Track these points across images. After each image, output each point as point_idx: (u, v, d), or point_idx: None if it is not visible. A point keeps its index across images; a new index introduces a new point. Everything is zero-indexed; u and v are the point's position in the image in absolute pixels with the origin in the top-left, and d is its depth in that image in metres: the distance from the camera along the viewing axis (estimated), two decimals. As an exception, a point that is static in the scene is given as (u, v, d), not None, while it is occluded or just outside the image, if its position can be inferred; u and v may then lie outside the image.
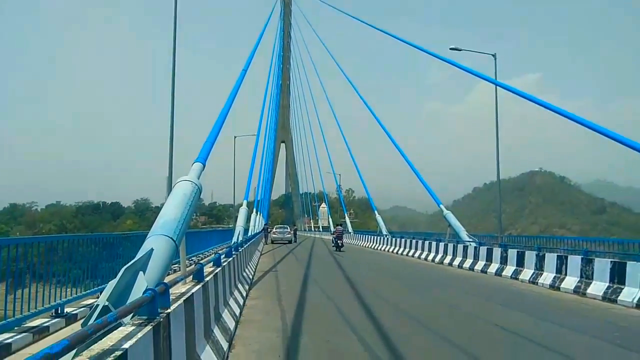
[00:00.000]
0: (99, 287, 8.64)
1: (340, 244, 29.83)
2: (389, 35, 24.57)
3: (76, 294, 8.00)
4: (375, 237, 36.05)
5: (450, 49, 22.28)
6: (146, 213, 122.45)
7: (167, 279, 4.83)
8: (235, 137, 42.30)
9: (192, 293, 4.71)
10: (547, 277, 13.30)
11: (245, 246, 14.35)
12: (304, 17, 71.93)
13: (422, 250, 24.12)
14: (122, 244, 10.95)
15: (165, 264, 5.41)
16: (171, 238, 5.72)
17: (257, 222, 41.70)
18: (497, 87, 21.89)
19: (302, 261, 21.59)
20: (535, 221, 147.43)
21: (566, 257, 12.79)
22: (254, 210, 38.81)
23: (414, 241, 26.33)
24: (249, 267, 14.53)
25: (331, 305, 9.54)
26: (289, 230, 42.43)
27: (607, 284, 10.94)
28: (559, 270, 12.97)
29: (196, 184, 7.13)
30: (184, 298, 4.34)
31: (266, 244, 37.34)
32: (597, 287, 11.13)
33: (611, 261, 11.16)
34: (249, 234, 30.23)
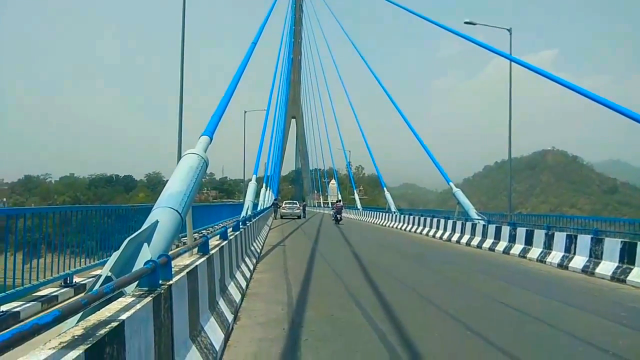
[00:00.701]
0: (109, 258, 8.58)
1: (339, 218, 33.49)
2: (404, 9, 24.02)
3: (86, 264, 8.09)
4: (384, 214, 36.08)
5: (465, 22, 21.75)
6: (158, 186, 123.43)
7: (173, 252, 4.82)
8: (245, 112, 42.13)
9: (196, 265, 4.71)
10: (555, 256, 13.22)
11: (253, 220, 14.41)
12: (316, -10, 70.37)
13: (430, 227, 24.09)
14: (134, 216, 10.94)
15: (171, 236, 5.42)
16: (177, 211, 5.72)
17: (267, 197, 41.92)
18: (512, 62, 21.43)
19: (310, 236, 21.72)
20: (546, 200, 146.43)
21: (575, 237, 12.67)
22: (264, 185, 38.93)
23: (421, 218, 26.28)
24: (257, 241, 14.63)
25: (337, 280, 9.58)
26: (298, 205, 42.59)
27: (617, 264, 10.83)
28: (567, 250, 12.87)
29: (202, 157, 7.10)
30: (187, 270, 4.33)
31: (275, 218, 37.57)
32: (606, 267, 11.03)
33: (622, 241, 11.03)
34: (259, 208, 30.46)
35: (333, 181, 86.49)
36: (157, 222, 5.30)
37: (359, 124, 49.27)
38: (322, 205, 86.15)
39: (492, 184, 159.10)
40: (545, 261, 13.44)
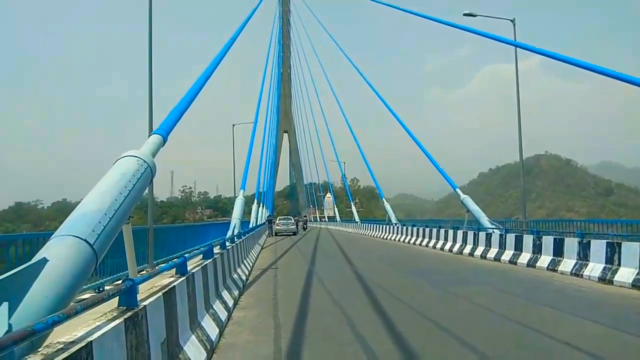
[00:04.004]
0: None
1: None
2: (398, 10, 22.38)
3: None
4: (384, 226, 33.99)
5: (464, 14, 20.01)
6: (153, 208, 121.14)
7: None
8: (233, 125, 40.05)
9: (118, 327, 2.82)
10: (594, 269, 11.19)
11: (237, 242, 12.31)
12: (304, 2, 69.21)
13: (438, 239, 22.02)
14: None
15: (67, 284, 3.37)
16: (85, 241, 3.66)
17: (261, 214, 39.78)
18: (517, 50, 19.75)
19: (306, 255, 19.56)
20: (542, 205, 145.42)
21: (619, 244, 10.65)
22: (256, 202, 36.84)
23: (427, 230, 24.23)
24: (243, 264, 12.51)
25: (340, 315, 7.49)
26: (292, 221, 40.42)
27: (681, 277, 8.84)
28: (609, 261, 10.85)
29: (145, 162, 5.07)
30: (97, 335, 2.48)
31: (270, 236, 35.40)
32: (667, 281, 9.03)
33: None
34: (250, 226, 28.30)
35: (329, 194, 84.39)
36: (44, 260, 3.25)
37: (354, 135, 47.40)
38: (318, 220, 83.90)
39: (487, 191, 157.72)
40: (582, 274, 11.42)
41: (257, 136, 36.23)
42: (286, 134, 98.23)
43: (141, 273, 11.82)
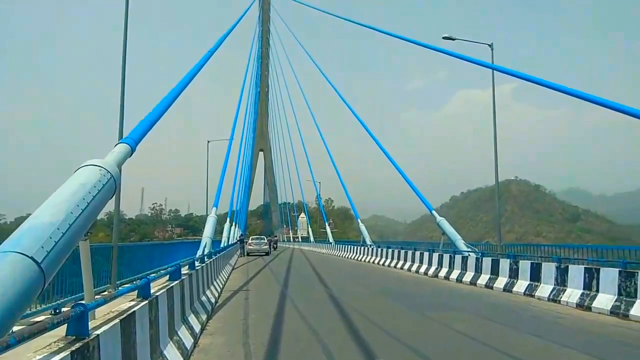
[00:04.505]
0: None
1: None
2: (377, 31, 22.60)
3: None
4: (359, 248, 33.64)
5: (444, 37, 20.25)
6: (120, 225, 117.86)
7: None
8: (208, 142, 39.46)
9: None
10: (572, 294, 11.06)
11: (207, 262, 11.74)
12: (283, 22, 69.76)
13: (413, 261, 21.77)
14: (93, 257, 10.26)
15: (6, 307, 2.86)
16: (32, 258, 3.17)
17: (233, 233, 38.89)
18: (494, 78, 20.04)
19: (278, 277, 18.98)
20: (512, 229, 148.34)
21: (597, 270, 10.56)
22: (229, 220, 36.04)
23: (402, 252, 23.99)
24: (212, 287, 11.91)
25: (315, 343, 7.04)
26: (265, 241, 39.65)
27: (660, 304, 8.74)
28: (587, 287, 10.75)
29: (108, 172, 4.59)
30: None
31: (241, 256, 34.55)
32: (646, 308, 8.91)
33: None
34: (222, 245, 27.50)
35: (303, 215, 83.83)
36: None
37: (330, 154, 47.27)
38: (292, 240, 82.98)
39: (459, 214, 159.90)
40: (559, 300, 11.29)
41: (233, 154, 35.72)
42: (262, 152, 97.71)
43: (103, 294, 11.14)
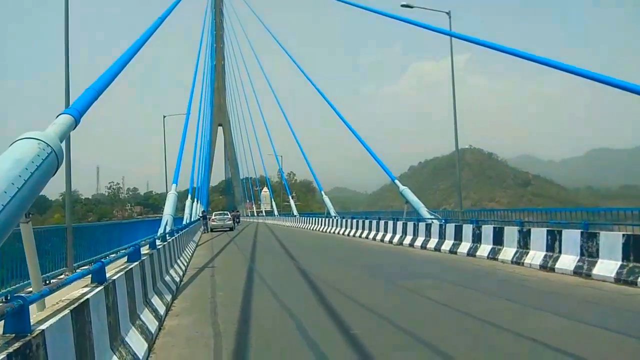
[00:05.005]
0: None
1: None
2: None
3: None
4: (324, 220, 33.66)
5: (402, 5, 19.93)
6: (75, 205, 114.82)
7: None
8: (164, 116, 37.93)
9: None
10: (535, 257, 11.31)
11: (169, 239, 11.24)
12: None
13: (378, 230, 21.92)
14: (49, 238, 11.33)
15: None
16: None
17: (195, 210, 38.05)
18: (452, 42, 20.04)
19: (245, 252, 18.65)
20: (467, 196, 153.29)
21: (559, 232, 10.80)
22: (190, 197, 35.14)
23: (366, 222, 24.11)
24: (176, 265, 11.46)
25: (287, 319, 6.80)
26: (229, 216, 39.07)
27: (620, 262, 8.99)
28: (550, 248, 11.00)
29: (49, 146, 4.05)
30: None
31: (205, 232, 33.92)
32: (607, 267, 9.16)
33: (623, 234, 9.20)
34: (184, 222, 26.77)
35: (265, 189, 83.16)
36: None
37: (291, 127, 46.76)
38: (255, 215, 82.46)
39: (418, 184, 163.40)
40: (522, 262, 11.54)
41: (190, 129, 34.55)
42: (221, 127, 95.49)
43: (59, 278, 10.50)
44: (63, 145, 4.73)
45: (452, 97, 21.11)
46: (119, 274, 5.03)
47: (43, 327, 2.75)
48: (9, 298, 7.97)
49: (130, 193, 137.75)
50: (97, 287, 4.22)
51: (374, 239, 21.69)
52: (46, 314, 3.11)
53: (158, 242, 9.54)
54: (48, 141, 4.11)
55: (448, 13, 20.97)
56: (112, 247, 16.52)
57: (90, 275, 4.37)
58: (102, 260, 4.50)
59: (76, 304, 3.43)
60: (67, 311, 3.19)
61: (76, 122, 5.06)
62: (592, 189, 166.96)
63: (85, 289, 4.09)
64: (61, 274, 11.16)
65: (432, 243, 16.32)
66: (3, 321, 2.56)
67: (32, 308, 4.71)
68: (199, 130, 46.14)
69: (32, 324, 2.75)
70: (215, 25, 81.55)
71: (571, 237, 10.33)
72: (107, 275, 4.79)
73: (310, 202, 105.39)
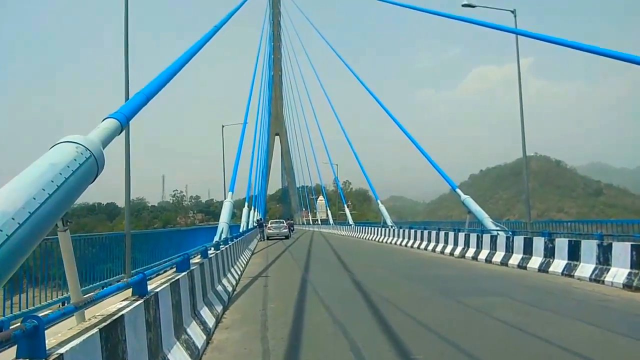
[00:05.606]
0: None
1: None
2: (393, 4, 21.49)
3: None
4: (379, 229, 32.85)
5: (463, 5, 19.05)
6: (142, 212, 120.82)
7: None
8: (223, 126, 38.67)
9: None
10: (618, 274, 10.14)
11: (223, 248, 11.10)
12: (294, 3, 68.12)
13: (437, 242, 20.90)
14: (118, 245, 11.82)
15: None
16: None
17: (252, 218, 38.52)
18: (518, 44, 18.87)
19: (299, 262, 18.35)
20: (533, 206, 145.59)
21: (647, 247, 9.59)
22: (247, 205, 35.58)
23: (425, 232, 23.12)
24: (229, 274, 11.30)
25: (341, 338, 6.30)
26: (284, 224, 39.16)
27: None
28: (635, 265, 9.81)
29: (88, 150, 3.86)
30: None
31: (261, 240, 34.14)
32: None
33: None
34: (241, 230, 27.01)
35: (321, 197, 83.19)
36: None
37: (347, 136, 46.37)
38: (311, 223, 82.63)
39: (479, 193, 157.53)
40: (603, 280, 10.38)
41: (248, 138, 35.03)
42: (278, 136, 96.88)
43: (119, 282, 10.64)
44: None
45: (514, 102, 19.98)
46: (163, 286, 4.77)
47: (62, 350, 2.44)
48: (65, 303, 8.11)
49: (193, 201, 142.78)
50: (136, 300, 3.95)
51: (433, 250, 20.72)
52: (72, 333, 2.81)
53: (211, 250, 9.37)
54: (88, 145, 3.92)
55: (513, 11, 19.80)
56: (172, 253, 16.81)
57: (131, 288, 4.11)
58: (144, 272, 4.22)
59: (108, 322, 3.14)
60: (95, 330, 2.90)
61: (122, 127, 4.90)
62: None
63: (123, 303, 3.82)
64: (120, 279, 11.34)
65: (498, 257, 15.22)
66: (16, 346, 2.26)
67: (72, 321, 4.55)
68: (257, 139, 46.88)
69: (51, 347, 2.44)
70: (273, 37, 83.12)
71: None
72: (151, 287, 4.54)
73: (366, 211, 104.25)
